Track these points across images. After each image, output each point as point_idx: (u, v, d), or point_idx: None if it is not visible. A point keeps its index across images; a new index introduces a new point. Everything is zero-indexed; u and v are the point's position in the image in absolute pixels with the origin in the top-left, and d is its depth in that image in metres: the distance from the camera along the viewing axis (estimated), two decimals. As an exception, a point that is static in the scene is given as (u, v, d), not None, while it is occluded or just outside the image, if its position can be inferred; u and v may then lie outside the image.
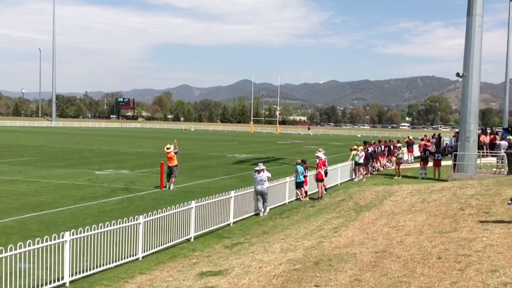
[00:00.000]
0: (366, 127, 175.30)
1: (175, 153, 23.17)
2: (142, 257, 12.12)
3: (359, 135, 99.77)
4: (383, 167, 31.63)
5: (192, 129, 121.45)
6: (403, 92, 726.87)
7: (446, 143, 42.64)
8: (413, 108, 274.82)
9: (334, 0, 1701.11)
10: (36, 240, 9.58)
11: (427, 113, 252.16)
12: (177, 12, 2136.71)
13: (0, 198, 19.11)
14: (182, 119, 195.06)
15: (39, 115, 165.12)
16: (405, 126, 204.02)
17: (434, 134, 48.89)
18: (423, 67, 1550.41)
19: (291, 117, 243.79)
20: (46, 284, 9.65)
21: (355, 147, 28.04)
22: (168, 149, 23.17)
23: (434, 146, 39.47)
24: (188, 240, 13.98)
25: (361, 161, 26.93)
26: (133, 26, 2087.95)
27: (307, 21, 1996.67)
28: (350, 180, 26.79)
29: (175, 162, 22.79)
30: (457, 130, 38.39)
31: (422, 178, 25.49)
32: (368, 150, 29.42)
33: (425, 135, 41.06)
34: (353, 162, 27.06)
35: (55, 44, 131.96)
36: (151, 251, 12.44)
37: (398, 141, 38.08)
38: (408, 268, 8.98)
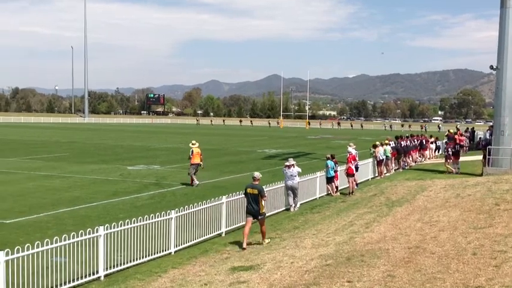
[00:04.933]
0: (397, 121, 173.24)
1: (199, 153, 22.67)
2: (175, 252, 12.24)
3: (385, 129, 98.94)
4: (415, 162, 31.23)
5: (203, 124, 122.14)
6: (435, 85, 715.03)
7: (480, 137, 41.87)
8: (445, 102, 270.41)
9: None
10: (72, 234, 9.74)
11: (459, 107, 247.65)
12: (203, 8, 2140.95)
13: (36, 194, 19.53)
14: (212, 114, 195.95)
15: (72, 111, 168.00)
16: (437, 120, 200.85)
17: (468, 128, 48.06)
18: (455, 60, 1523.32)
19: (321, 112, 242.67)
20: (81, 278, 9.82)
21: (387, 141, 27.69)
22: (193, 144, 22.92)
23: (468, 140, 38.76)
24: (219, 235, 14.05)
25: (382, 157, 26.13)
26: (160, 23, 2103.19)
27: (334, 15, 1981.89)
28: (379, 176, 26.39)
29: (198, 160, 22.42)
30: (491, 124, 37.54)
31: (457, 173, 25.06)
32: (401, 144, 29.07)
33: (458, 128, 40.31)
34: (384, 157, 26.48)
35: (87, 42, 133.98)
36: (183, 246, 12.55)
37: (431, 136, 37.54)
38: (442, 264, 8.86)
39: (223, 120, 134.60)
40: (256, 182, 13.38)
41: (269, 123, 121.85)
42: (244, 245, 12.57)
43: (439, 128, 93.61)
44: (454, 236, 10.91)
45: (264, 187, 16.40)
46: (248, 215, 13.23)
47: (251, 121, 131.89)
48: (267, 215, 16.46)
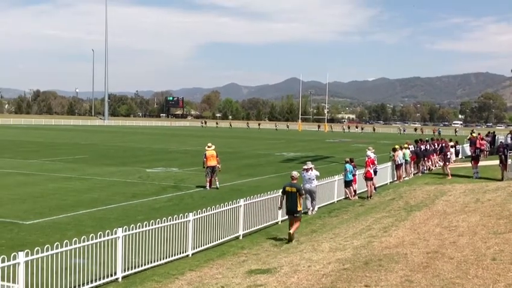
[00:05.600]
0: (416, 125, 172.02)
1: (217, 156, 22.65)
2: (192, 254, 12.27)
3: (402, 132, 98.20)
4: (434, 166, 30.95)
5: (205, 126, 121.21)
6: (455, 89, 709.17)
7: (501, 141, 41.32)
8: (466, 106, 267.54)
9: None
10: (90, 236, 9.82)
11: (480, 111, 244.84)
12: (224, 11, 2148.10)
13: (56, 195, 19.75)
14: (230, 117, 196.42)
15: (92, 114, 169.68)
16: (457, 124, 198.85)
17: (489, 132, 47.47)
18: (476, 63, 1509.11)
19: (340, 115, 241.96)
20: (99, 279, 9.89)
21: (406, 145, 27.48)
22: (209, 147, 22.83)
23: (488, 145, 38.22)
24: (237, 238, 14.06)
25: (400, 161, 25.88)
26: (181, 26, 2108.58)
27: (354, 18, 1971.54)
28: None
29: (213, 163, 22.31)
30: (512, 128, 36.98)
31: (477, 178, 24.76)
32: (420, 148, 28.83)
33: (478, 133, 39.79)
34: (404, 161, 26.29)
35: (107, 45, 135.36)
36: (200, 248, 12.58)
37: (450, 140, 37.14)
38: (461, 269, 8.77)
39: (230, 124, 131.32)
40: (295, 181, 14.16)
41: (276, 126, 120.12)
42: (292, 234, 13.47)
43: (456, 132, 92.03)
44: (474, 241, 10.79)
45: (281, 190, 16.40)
46: (289, 212, 14.07)
47: (259, 124, 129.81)
48: (284, 218, 16.48)
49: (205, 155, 22.53)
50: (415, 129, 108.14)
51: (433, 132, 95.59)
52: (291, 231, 13.49)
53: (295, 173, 14.52)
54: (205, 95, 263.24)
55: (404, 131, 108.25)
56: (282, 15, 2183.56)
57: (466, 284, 7.99)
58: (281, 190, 14.45)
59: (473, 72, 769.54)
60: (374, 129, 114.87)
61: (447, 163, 26.72)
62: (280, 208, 14.77)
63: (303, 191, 14.61)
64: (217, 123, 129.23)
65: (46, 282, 8.90)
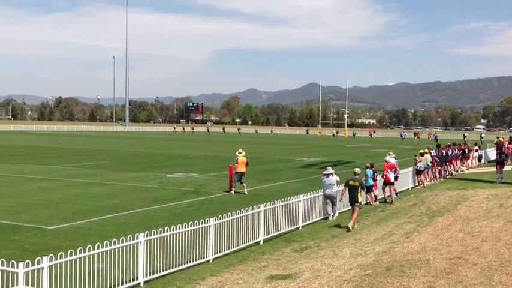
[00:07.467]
0: (438, 129, 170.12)
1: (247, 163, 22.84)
2: (213, 259, 12.29)
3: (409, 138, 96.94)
4: (457, 171, 30.61)
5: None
6: (477, 93, 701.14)
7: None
8: (488, 110, 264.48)
9: (398, 2, 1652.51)
10: (113, 241, 9.90)
11: (503, 115, 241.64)
12: (242, 18, 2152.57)
13: (78, 201, 19.96)
14: (250, 122, 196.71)
15: (113, 120, 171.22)
16: (480, 128, 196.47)
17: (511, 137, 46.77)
18: (498, 67, 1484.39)
19: (360, 120, 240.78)
20: (121, 284, 9.94)
21: (426, 150, 27.20)
22: (240, 153, 23.02)
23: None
24: (257, 243, 14.05)
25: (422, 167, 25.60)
26: (200, 32, 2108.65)
27: (372, 23, 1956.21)
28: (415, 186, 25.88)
29: (242, 169, 22.50)
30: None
31: (500, 183, 24.40)
32: (442, 153, 28.53)
33: (501, 138, 39.24)
34: (426, 166, 26.01)
35: (128, 52, 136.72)
36: (221, 254, 12.59)
37: (475, 144, 36.72)
38: (485, 275, 8.66)
39: (223, 128, 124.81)
40: (357, 176, 16.49)
41: (256, 131, 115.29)
42: (350, 227, 15.27)
43: (465, 137, 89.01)
44: (497, 247, 10.65)
45: (302, 196, 16.44)
46: (351, 203, 16.02)
47: (238, 128, 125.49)
48: (304, 223, 16.52)
49: (236, 160, 22.64)
50: (415, 134, 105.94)
51: (428, 137, 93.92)
52: (350, 225, 15.26)
53: (357, 170, 16.91)
54: (225, 101, 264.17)
55: (403, 136, 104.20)
56: (300, 21, 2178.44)
57: (490, 290, 7.89)
58: (344, 183, 16.64)
59: (496, 76, 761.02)
60: (371, 135, 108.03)
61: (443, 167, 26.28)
62: (341, 199, 16.91)
63: (365, 185, 17.01)
64: (239, 129, 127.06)
65: (69, 287, 9.00)
